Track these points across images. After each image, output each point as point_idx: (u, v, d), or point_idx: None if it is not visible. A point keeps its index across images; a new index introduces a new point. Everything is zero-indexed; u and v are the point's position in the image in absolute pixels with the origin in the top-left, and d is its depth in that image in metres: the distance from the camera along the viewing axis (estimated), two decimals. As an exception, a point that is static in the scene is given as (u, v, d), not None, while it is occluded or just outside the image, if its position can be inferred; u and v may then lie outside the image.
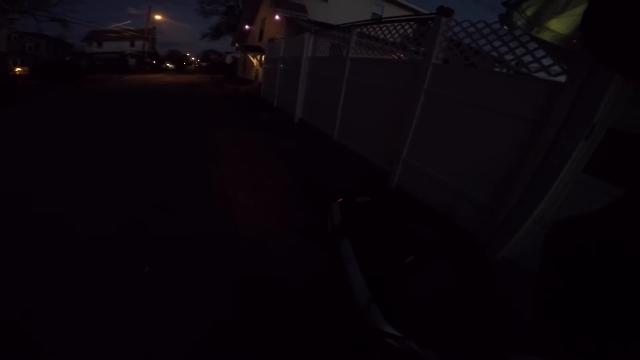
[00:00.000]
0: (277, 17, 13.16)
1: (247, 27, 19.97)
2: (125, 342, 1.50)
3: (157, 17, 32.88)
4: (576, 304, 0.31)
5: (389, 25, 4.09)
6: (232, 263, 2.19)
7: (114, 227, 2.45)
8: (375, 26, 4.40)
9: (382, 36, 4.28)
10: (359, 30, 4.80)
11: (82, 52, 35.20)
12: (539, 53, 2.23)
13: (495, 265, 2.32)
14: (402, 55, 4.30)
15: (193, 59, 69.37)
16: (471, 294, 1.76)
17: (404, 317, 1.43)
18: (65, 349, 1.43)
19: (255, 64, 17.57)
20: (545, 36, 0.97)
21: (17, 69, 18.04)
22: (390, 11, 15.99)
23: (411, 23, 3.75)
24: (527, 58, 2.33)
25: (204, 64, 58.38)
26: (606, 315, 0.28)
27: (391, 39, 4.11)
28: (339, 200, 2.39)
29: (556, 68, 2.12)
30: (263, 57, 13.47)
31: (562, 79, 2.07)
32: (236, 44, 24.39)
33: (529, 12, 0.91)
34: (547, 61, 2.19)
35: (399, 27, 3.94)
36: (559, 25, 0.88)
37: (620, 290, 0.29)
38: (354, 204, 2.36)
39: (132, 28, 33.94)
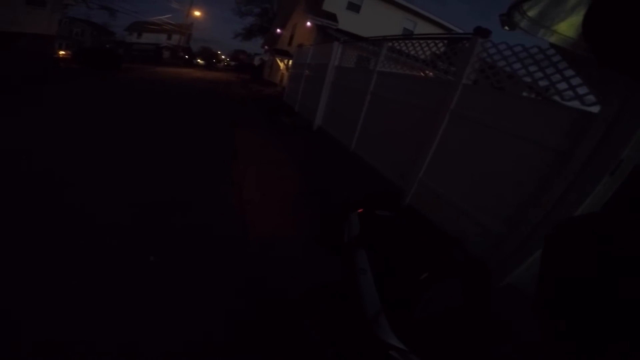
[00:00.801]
0: (308, 23, 13.46)
1: (278, 30, 20.51)
2: (116, 334, 1.49)
3: (197, 13, 34.10)
4: (576, 304, 0.31)
5: (421, 42, 4.10)
6: (238, 265, 2.17)
7: (125, 218, 2.42)
8: (407, 41, 4.41)
9: (412, 52, 4.28)
10: (390, 44, 4.83)
11: (122, 41, 36.97)
12: (576, 80, 2.18)
13: (500, 290, 2.30)
14: (430, 73, 4.28)
15: (223, 57, 71.26)
16: (477, 314, 1.72)
17: (411, 331, 1.41)
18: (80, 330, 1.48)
19: (281, 68, 17.94)
20: (553, 39, 0.94)
21: (61, 52, 19.10)
22: (422, 28, 16.00)
23: (444, 41, 3.73)
24: (562, 85, 2.28)
25: (232, 63, 59.77)
26: (609, 316, 0.28)
27: (422, 56, 4.11)
28: (359, 210, 2.39)
29: (591, 97, 2.07)
30: (290, 61, 13.77)
31: (594, 109, 2.02)
32: (266, 47, 25.07)
33: (530, 13, 0.89)
34: (582, 90, 2.13)
35: (432, 44, 3.94)
36: (567, 28, 0.86)
37: (620, 290, 0.28)
38: (374, 216, 2.35)
39: (171, 22, 35.40)
